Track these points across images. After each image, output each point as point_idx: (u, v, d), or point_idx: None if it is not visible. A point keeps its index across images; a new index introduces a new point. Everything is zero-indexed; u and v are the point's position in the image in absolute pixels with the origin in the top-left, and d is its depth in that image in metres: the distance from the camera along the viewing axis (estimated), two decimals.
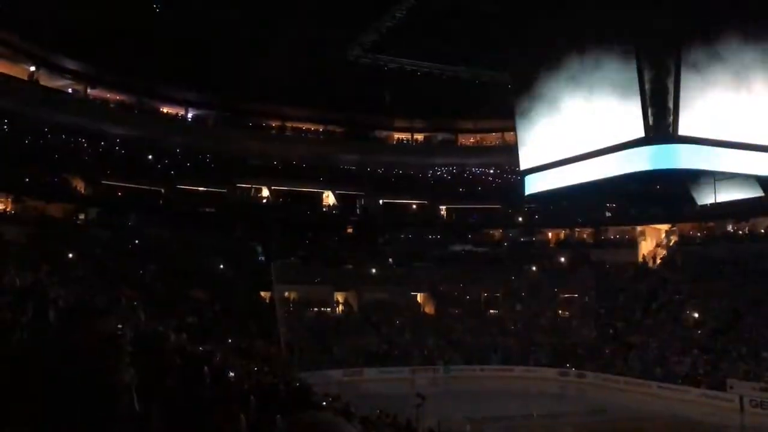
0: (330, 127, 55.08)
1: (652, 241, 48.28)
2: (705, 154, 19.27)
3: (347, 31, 31.90)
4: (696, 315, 38.02)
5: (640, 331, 38.74)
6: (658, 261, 46.13)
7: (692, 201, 41.91)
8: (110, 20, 34.09)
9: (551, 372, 37.42)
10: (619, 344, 38.22)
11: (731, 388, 30.05)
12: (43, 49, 40.47)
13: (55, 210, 39.44)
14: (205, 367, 3.99)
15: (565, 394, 33.07)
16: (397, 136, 57.65)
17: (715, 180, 37.39)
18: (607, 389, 33.61)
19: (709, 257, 41.73)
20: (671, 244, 47.13)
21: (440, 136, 58.12)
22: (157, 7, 33.02)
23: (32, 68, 41.37)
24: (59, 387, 2.93)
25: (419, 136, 57.84)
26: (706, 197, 41.58)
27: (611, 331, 39.94)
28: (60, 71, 43.14)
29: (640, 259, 46.85)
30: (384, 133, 57.24)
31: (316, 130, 55.08)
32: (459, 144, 58.18)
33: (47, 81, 42.28)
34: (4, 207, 37.82)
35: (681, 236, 46.82)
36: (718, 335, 35.14)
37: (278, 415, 6.54)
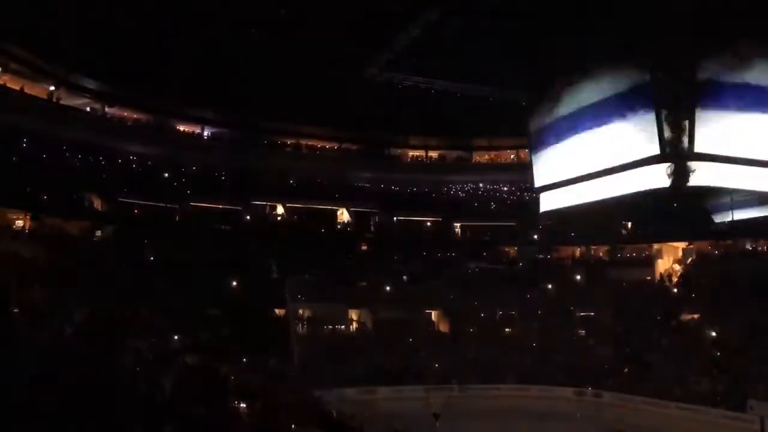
0: (345, 145, 55.36)
1: (669, 259, 47.82)
2: (722, 171, 19.09)
3: (363, 50, 32.05)
4: (714, 334, 37.53)
5: (658, 350, 38.29)
6: (675, 279, 45.68)
7: (709, 219, 41.49)
8: (128, 40, 34.58)
9: (568, 391, 36.96)
10: (637, 363, 37.76)
11: (751, 408, 29.40)
12: (62, 68, 41.07)
13: (72, 227, 39.76)
14: (226, 384, 4.02)
15: (581, 414, 32.63)
16: (411, 153, 57.84)
17: (732, 197, 37.00)
18: (625, 409, 33.07)
19: (727, 275, 41.22)
20: (689, 262, 46.68)
21: (455, 154, 58.13)
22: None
23: (52, 87, 41.98)
24: (77, 401, 2.95)
25: (434, 154, 57.93)
26: (724, 215, 41.14)
27: (628, 350, 39.46)
28: (79, 90, 43.67)
29: (658, 277, 46.43)
30: (398, 151, 57.39)
31: (331, 148, 55.32)
32: (474, 161, 58.14)
33: (66, 100, 42.86)
34: (22, 225, 38.15)
35: (699, 254, 46.37)
36: (738, 355, 34.64)
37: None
